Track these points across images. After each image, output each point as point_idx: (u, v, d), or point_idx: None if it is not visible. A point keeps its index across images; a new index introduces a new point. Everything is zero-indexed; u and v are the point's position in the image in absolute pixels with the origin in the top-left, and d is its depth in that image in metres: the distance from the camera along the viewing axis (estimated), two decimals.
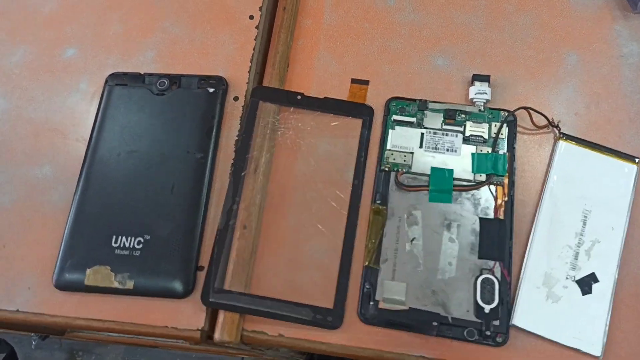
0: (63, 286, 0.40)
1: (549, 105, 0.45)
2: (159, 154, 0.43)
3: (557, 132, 0.43)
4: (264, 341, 0.39)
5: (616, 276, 0.39)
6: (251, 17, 0.49)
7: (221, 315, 0.39)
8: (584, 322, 0.38)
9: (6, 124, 0.47)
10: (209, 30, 0.49)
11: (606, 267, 0.39)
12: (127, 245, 0.41)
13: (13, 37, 0.51)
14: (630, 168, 0.42)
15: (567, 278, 0.39)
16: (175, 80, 0.46)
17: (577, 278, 0.39)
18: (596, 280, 0.39)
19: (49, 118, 0.47)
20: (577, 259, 0.39)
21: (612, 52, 0.46)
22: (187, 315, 0.39)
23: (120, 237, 0.41)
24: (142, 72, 0.47)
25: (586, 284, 0.39)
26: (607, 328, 0.38)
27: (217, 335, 0.38)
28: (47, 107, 0.47)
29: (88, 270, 0.40)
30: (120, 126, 0.45)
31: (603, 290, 0.38)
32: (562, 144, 0.42)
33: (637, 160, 0.42)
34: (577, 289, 0.39)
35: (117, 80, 0.47)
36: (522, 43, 0.47)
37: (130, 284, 0.40)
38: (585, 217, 0.40)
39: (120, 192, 0.42)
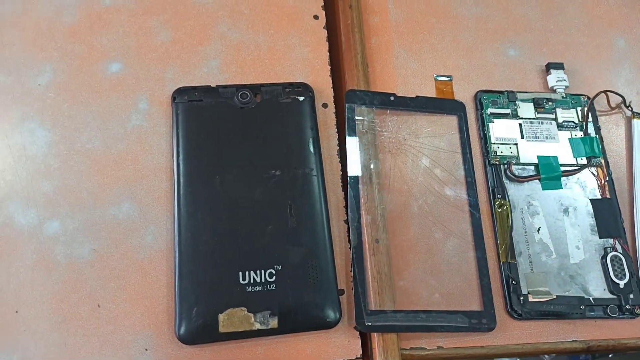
0: (192, 339, 0.35)
1: (612, 87, 0.48)
2: (264, 174, 0.39)
3: (629, 111, 0.47)
4: (423, 357, 0.37)
5: None
6: (316, 17, 0.46)
7: (376, 338, 0.36)
8: None
9: (57, 160, 0.39)
10: (273, 34, 0.45)
11: None
12: (257, 280, 0.36)
13: (33, 53, 0.42)
14: None
15: None
16: (255, 90, 0.42)
17: None
18: None
19: (111, 147, 0.40)
20: None
21: None
22: (340, 344, 0.36)
23: (247, 273, 0.36)
24: (212, 85, 0.42)
25: None
26: None
27: None
28: (104, 134, 0.40)
29: (220, 316, 0.35)
30: (207, 147, 0.39)
31: None
32: (638, 122, 0.46)
33: None
34: None
35: (188, 95, 0.41)
36: (576, 31, 0.50)
37: (274, 323, 0.35)
38: None
39: (231, 222, 0.37)
